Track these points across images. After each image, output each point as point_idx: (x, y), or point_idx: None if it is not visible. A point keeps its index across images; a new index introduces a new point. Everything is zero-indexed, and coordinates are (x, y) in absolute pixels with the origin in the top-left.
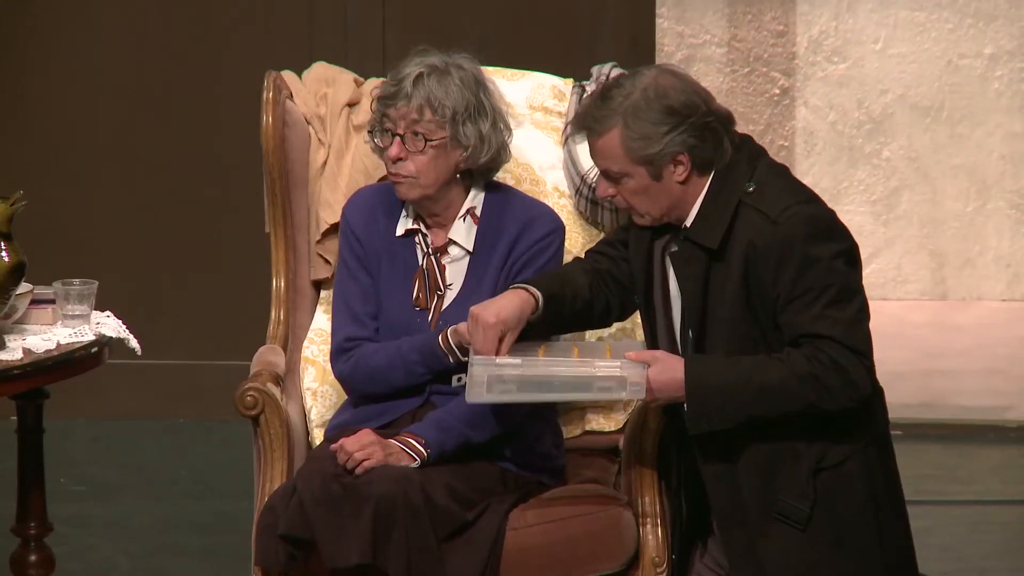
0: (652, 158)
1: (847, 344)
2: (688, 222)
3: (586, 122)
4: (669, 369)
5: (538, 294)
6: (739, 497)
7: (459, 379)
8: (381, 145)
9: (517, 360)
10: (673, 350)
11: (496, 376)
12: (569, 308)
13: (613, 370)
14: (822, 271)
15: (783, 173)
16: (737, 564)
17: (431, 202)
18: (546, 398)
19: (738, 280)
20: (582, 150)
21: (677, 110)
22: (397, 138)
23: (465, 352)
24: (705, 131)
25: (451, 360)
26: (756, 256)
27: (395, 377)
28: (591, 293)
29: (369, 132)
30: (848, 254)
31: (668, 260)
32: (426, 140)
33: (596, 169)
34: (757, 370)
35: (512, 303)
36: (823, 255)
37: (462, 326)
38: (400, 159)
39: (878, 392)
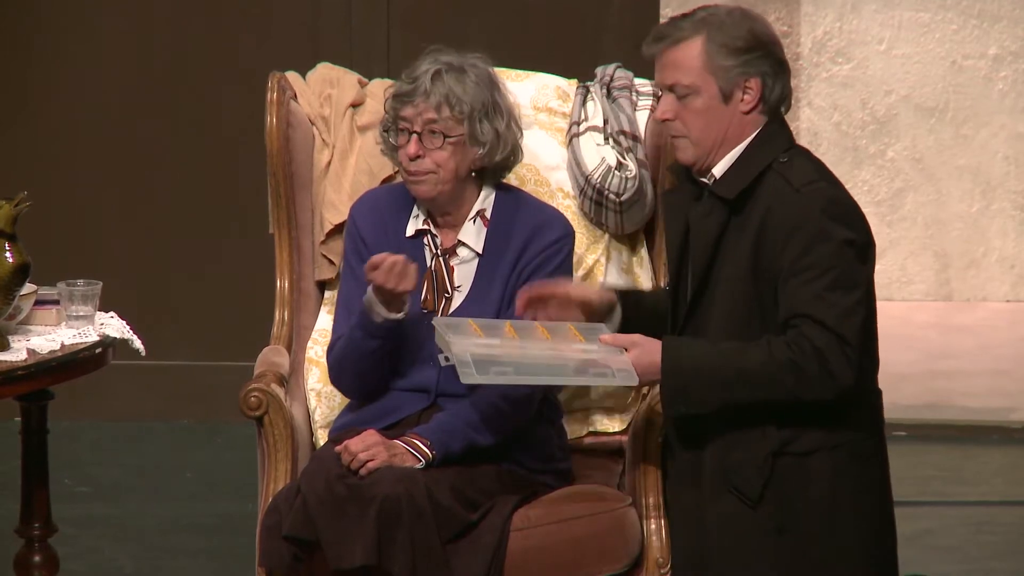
0: (728, 71)
1: (836, 331)
2: (717, 171)
3: (666, 31)
4: (648, 352)
5: (613, 293)
6: (699, 459)
7: (446, 359)
8: (397, 144)
9: (496, 340)
10: (676, 310)
11: (483, 356)
12: (651, 301)
13: (594, 354)
14: (829, 251)
15: (816, 159)
16: (681, 524)
17: (447, 199)
18: (539, 381)
19: (750, 242)
20: (586, 151)
21: (760, 36)
22: (414, 136)
23: (382, 294)
24: (780, 66)
25: (376, 313)
26: (772, 222)
27: (350, 355)
28: None
29: (384, 132)
30: (861, 247)
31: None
32: (444, 137)
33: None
34: (736, 354)
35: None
36: (835, 236)
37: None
38: (418, 156)
39: (869, 401)
